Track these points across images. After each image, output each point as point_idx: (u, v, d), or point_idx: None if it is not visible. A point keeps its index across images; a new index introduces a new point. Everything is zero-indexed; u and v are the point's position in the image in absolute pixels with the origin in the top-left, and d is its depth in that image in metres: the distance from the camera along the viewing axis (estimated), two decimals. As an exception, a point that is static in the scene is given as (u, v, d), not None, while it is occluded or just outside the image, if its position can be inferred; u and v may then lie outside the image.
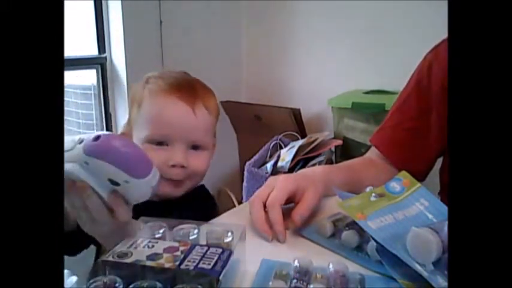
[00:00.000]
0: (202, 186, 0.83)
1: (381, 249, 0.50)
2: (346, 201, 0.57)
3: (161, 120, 0.70)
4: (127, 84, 1.85)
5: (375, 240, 0.51)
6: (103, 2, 1.82)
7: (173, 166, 0.69)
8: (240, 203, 1.87)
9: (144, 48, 1.91)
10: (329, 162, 1.77)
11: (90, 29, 1.85)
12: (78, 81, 1.92)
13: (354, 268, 0.52)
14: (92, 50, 1.87)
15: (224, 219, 0.71)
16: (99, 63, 1.87)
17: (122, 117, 1.87)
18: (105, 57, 1.87)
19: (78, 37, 1.83)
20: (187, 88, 0.72)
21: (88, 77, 1.86)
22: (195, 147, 0.72)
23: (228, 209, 0.77)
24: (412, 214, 0.53)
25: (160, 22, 1.91)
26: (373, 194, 0.56)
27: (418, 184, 0.58)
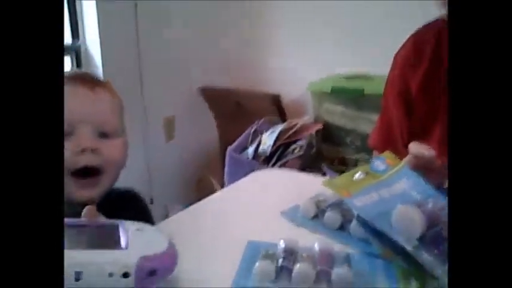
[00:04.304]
0: (130, 189, 0.78)
1: (366, 226, 0.51)
2: (331, 180, 0.57)
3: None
4: (103, 71, 1.81)
5: (360, 219, 0.52)
6: (75, -14, 1.76)
7: (83, 152, 0.63)
8: (222, 187, 1.87)
9: (119, 33, 1.86)
10: (310, 146, 1.78)
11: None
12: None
13: (338, 247, 0.52)
14: (65, 38, 1.81)
15: (207, 204, 0.71)
16: (74, 50, 1.81)
17: (98, 104, 1.83)
18: (79, 45, 1.82)
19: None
20: (86, 75, 0.71)
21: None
22: (104, 134, 0.65)
23: (211, 194, 0.76)
24: (397, 192, 0.54)
25: (135, 5, 1.86)
26: (358, 173, 0.56)
27: (402, 163, 0.59)
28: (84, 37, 1.82)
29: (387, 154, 0.60)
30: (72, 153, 0.62)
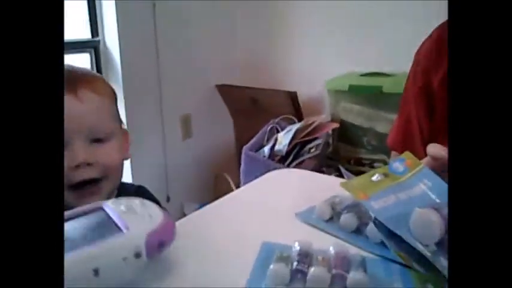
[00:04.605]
0: (141, 186, 0.76)
1: (382, 229, 0.50)
2: (349, 182, 0.56)
3: None
4: (121, 68, 1.83)
5: (376, 221, 0.51)
6: (95, -16, 1.78)
7: (78, 167, 0.60)
8: (237, 187, 1.87)
9: (138, 30, 1.88)
10: (326, 145, 1.77)
11: (82, 12, 1.81)
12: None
13: (353, 250, 0.52)
14: (85, 34, 1.84)
15: (222, 204, 0.71)
16: (93, 46, 1.84)
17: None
18: (99, 41, 1.84)
19: (70, 20, 1.79)
20: (66, 78, 0.65)
21: (82, 61, 1.83)
22: (98, 140, 0.62)
23: (227, 194, 0.76)
24: (416, 194, 0.52)
25: (154, 4, 1.88)
26: (376, 175, 0.55)
27: (422, 165, 0.57)
28: (103, 34, 1.84)
29: (407, 155, 0.59)
30: (67, 169, 0.59)
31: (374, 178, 0.56)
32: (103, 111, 0.63)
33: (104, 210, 0.45)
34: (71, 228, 0.42)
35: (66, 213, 0.44)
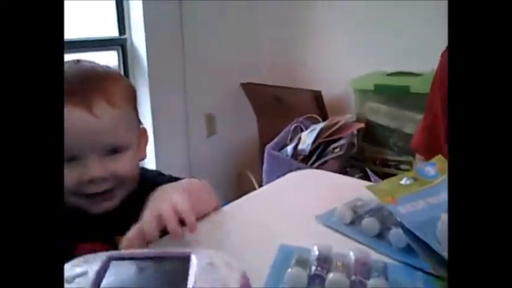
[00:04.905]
0: (159, 176, 0.72)
1: (410, 235, 0.49)
2: (376, 185, 0.55)
3: None
4: (148, 65, 1.85)
5: (404, 226, 0.50)
6: (122, -18, 1.80)
7: (91, 181, 0.58)
8: (260, 185, 1.87)
9: (164, 29, 1.90)
10: (351, 145, 1.74)
11: (110, 10, 1.84)
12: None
13: (375, 256, 0.50)
14: (113, 31, 1.86)
15: (242, 203, 0.70)
16: (120, 44, 1.87)
17: (143, 99, 1.88)
18: (126, 39, 1.87)
19: (98, 18, 1.82)
20: (79, 87, 0.58)
21: (109, 59, 1.86)
22: (113, 150, 0.60)
23: (249, 192, 0.76)
24: (446, 200, 0.51)
25: (180, 3, 1.89)
26: (404, 178, 0.54)
27: None
28: (130, 32, 1.87)
29: (439, 158, 0.57)
30: (79, 182, 0.58)
31: (403, 182, 0.55)
32: (120, 124, 0.60)
33: (189, 256, 0.40)
34: (149, 273, 0.39)
35: (151, 252, 0.41)
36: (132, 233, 0.50)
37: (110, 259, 0.39)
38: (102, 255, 0.40)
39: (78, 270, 0.38)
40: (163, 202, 0.52)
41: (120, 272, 0.38)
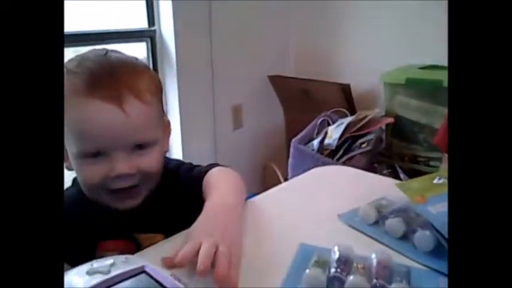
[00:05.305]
0: (180, 165, 0.71)
1: (441, 235, 0.47)
2: (407, 183, 0.53)
3: (87, 130, 0.57)
4: (176, 57, 1.86)
5: (434, 226, 0.48)
6: (152, -26, 1.81)
7: (118, 177, 0.58)
8: (285, 179, 1.86)
9: (193, 20, 1.90)
10: (379, 140, 1.70)
11: (140, 2, 1.86)
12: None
13: (398, 259, 0.49)
14: (142, 23, 1.88)
15: (265, 199, 0.70)
16: (149, 36, 1.88)
17: (171, 90, 1.89)
18: (155, 30, 1.88)
19: (127, 10, 1.84)
20: (109, 81, 0.57)
21: (138, 50, 1.88)
22: (140, 146, 0.59)
23: (274, 185, 0.75)
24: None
25: (209, -4, 1.89)
26: (437, 177, 0.52)
27: None
28: (159, 24, 1.88)
29: None
30: (106, 178, 0.58)
31: (435, 181, 0.53)
32: (149, 121, 0.60)
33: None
34: None
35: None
36: (188, 251, 0.47)
37: (143, 271, 0.40)
38: (141, 262, 0.41)
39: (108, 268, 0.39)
40: (208, 241, 0.47)
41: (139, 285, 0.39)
